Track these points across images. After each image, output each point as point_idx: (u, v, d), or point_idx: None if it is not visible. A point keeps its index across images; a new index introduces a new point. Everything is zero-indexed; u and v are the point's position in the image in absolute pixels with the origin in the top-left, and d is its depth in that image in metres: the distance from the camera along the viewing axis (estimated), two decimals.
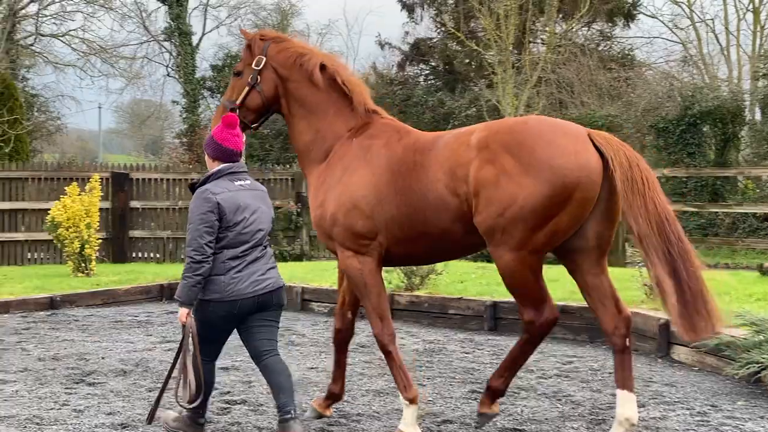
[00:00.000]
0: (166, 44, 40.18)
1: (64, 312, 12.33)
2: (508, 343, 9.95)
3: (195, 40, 39.90)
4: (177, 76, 39.56)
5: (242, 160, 6.06)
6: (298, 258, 19.80)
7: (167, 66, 41.02)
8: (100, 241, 15.88)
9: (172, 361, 6.10)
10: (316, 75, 6.39)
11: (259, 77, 6.51)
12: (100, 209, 15.86)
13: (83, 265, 14.91)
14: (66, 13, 37.22)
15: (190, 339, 5.74)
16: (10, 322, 11.35)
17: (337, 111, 6.39)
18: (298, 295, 12.95)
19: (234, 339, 9.84)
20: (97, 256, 15.54)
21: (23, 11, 35.81)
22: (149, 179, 19.62)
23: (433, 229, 5.79)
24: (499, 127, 5.64)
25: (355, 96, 6.38)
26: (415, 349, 9.59)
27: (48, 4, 37.38)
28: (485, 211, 5.45)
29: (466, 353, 9.36)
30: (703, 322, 5.22)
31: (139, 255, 19.49)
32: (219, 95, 39.32)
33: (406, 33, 33.28)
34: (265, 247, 5.92)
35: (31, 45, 36.64)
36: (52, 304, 12.60)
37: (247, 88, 6.53)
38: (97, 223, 15.34)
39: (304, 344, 9.91)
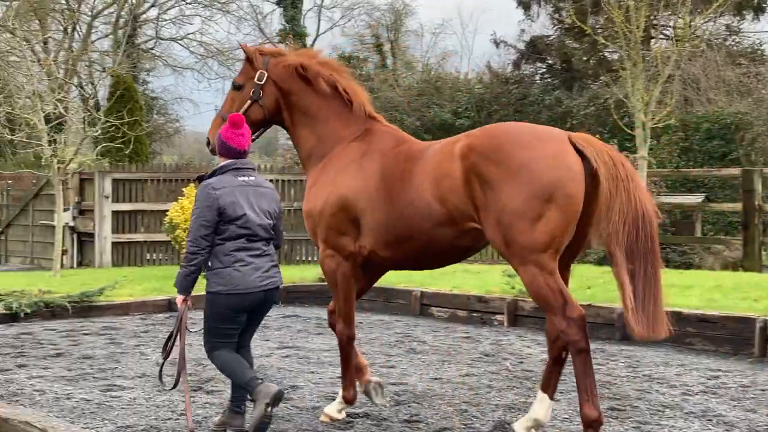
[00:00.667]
0: (281, 46, 40.36)
1: None
2: (642, 353, 9.38)
3: (309, 41, 40.00)
4: None
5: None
6: None
7: None
8: None
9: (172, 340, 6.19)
10: (315, 84, 6.67)
11: (261, 92, 6.69)
12: None
13: None
14: (185, 17, 37.82)
15: (181, 324, 6.04)
16: (129, 325, 11.27)
17: (338, 117, 6.65)
18: (416, 300, 12.54)
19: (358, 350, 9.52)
20: None
21: (144, 16, 36.52)
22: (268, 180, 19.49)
23: (421, 235, 5.97)
24: (481, 135, 5.78)
25: (355, 102, 6.63)
26: (544, 359, 9.07)
27: (167, 9, 38.02)
28: (486, 226, 5.63)
29: (599, 365, 8.80)
30: (645, 326, 5.37)
31: None
32: None
33: (522, 31, 32.58)
34: (269, 243, 6.04)
35: (151, 48, 37.30)
36: (170, 306, 12.49)
37: (249, 102, 6.71)
38: None
39: (425, 352, 9.49)
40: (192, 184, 15.28)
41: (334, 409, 6.60)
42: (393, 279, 13.67)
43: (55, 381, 7.90)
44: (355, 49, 41.79)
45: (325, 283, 14.01)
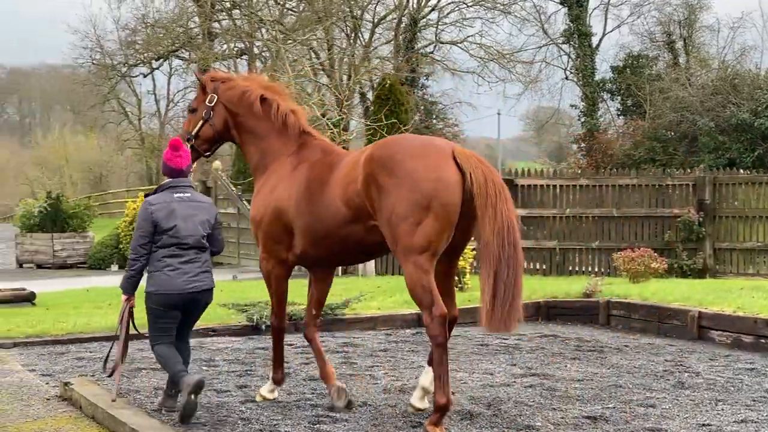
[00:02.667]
0: (565, 47, 39.07)
1: None
2: None
3: (595, 41, 38.37)
4: (575, 79, 38.33)
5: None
6: (701, 274, 17.53)
7: (565, 69, 39.85)
8: (475, 252, 14.82)
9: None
10: (257, 106, 7.50)
11: (212, 112, 7.62)
12: None
13: (456, 278, 13.87)
14: (465, 20, 37.34)
15: (124, 319, 7.00)
16: (370, 342, 10.54)
17: (277, 134, 7.48)
18: (693, 321, 11.00)
19: (610, 378, 8.25)
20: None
21: (423, 20, 36.41)
22: (535, 185, 18.39)
23: (336, 234, 6.77)
24: (380, 147, 6.54)
25: (289, 122, 7.44)
26: None
27: (448, 12, 37.75)
28: (380, 225, 6.38)
29: None
30: (499, 320, 6.10)
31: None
32: (619, 98, 37.54)
33: None
34: (202, 251, 6.93)
35: (431, 53, 37.10)
36: (419, 321, 11.65)
37: (201, 122, 7.65)
38: None
39: (696, 387, 8.05)
40: None
41: (266, 390, 7.45)
42: (668, 296, 12.14)
43: (268, 407, 7.21)
44: (644, 48, 39.71)
45: (591, 299, 12.85)
